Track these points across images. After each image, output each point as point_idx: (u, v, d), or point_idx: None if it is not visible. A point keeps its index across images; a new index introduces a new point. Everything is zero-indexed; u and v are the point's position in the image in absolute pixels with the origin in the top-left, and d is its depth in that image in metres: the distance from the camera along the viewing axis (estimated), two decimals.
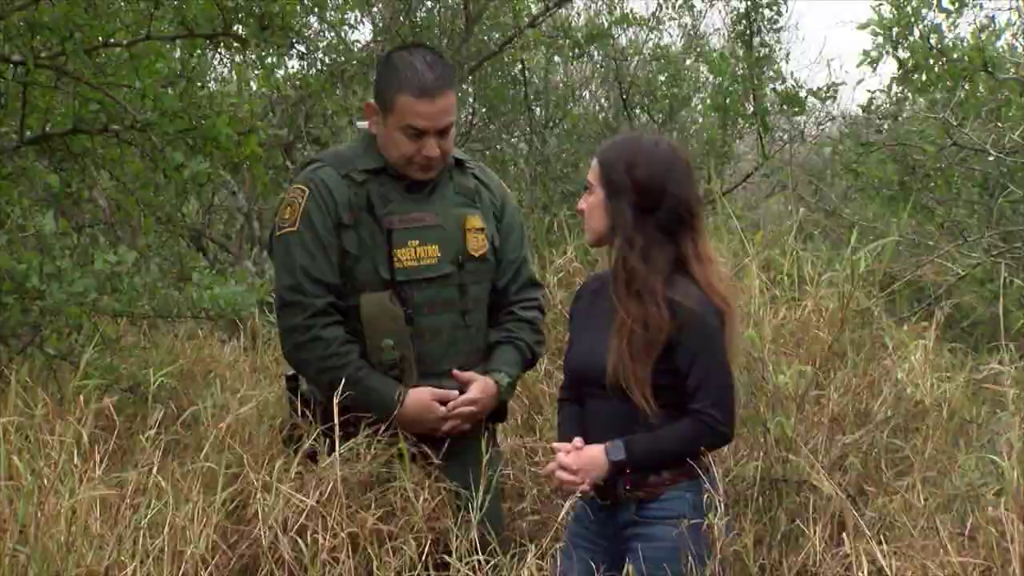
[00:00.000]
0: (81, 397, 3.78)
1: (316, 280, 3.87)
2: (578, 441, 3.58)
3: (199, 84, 5.76)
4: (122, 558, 3.36)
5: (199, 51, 6.04)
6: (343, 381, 3.78)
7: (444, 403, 3.89)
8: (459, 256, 3.96)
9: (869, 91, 8.58)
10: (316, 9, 7.47)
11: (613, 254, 3.62)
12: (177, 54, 6.02)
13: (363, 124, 4.08)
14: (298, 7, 4.98)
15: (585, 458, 3.56)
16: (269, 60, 7.03)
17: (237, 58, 7.55)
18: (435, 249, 3.92)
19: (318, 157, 4.13)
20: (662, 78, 10.71)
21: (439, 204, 3.97)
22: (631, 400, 3.54)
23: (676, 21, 11.02)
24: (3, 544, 3.28)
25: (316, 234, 3.88)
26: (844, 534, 3.66)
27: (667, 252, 3.59)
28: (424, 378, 3.90)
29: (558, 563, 3.69)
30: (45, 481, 3.43)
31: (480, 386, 3.94)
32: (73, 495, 3.40)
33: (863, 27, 7.86)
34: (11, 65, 5.23)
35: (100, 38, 5.27)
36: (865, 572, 3.45)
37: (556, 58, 10.14)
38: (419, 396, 3.87)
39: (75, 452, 3.56)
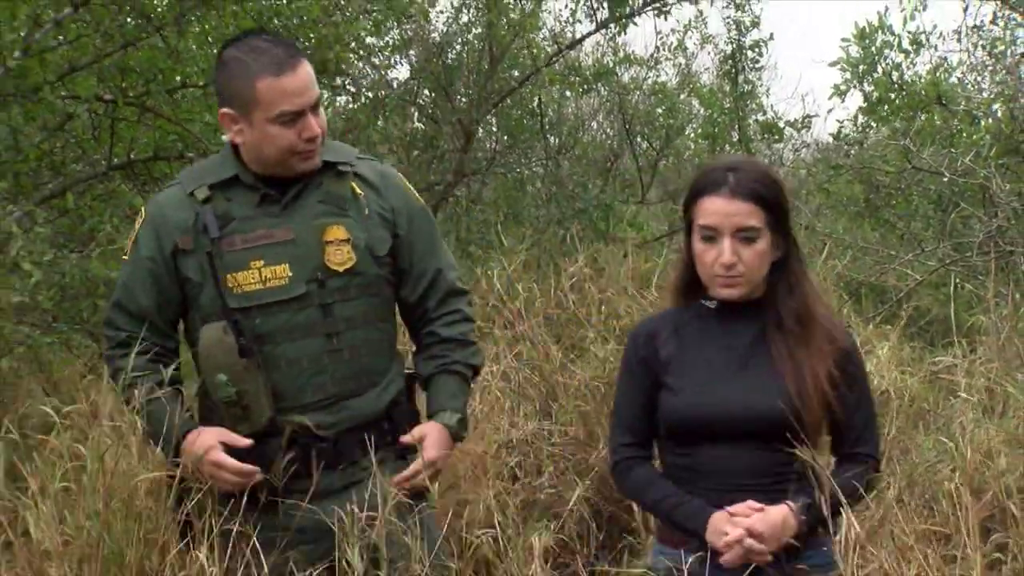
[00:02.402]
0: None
1: (126, 312, 3.07)
2: (753, 503, 2.68)
3: None
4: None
5: None
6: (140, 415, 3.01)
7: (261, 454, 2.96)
8: (318, 273, 3.00)
9: (838, 121, 8.58)
10: (365, 53, 7.52)
11: (781, 286, 2.78)
12: None
13: (227, 138, 3.10)
14: (351, 54, 4.97)
15: (772, 522, 2.65)
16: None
17: None
18: (284, 268, 3.00)
19: (180, 174, 3.21)
20: (660, 110, 10.71)
21: (297, 216, 3.01)
22: (773, 447, 2.69)
23: (671, 61, 10.99)
24: (76, 517, 3.21)
25: (138, 263, 3.05)
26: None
27: None
28: (285, 413, 2.98)
29: None
30: (108, 463, 3.23)
31: (433, 441, 3.05)
32: (133, 477, 3.22)
33: (833, 65, 7.89)
34: (103, 102, 5.28)
35: (179, 79, 5.32)
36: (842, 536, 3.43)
37: (568, 93, 10.13)
38: (196, 446, 2.96)
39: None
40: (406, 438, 3.05)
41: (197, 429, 3.00)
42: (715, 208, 2.72)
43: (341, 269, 3.02)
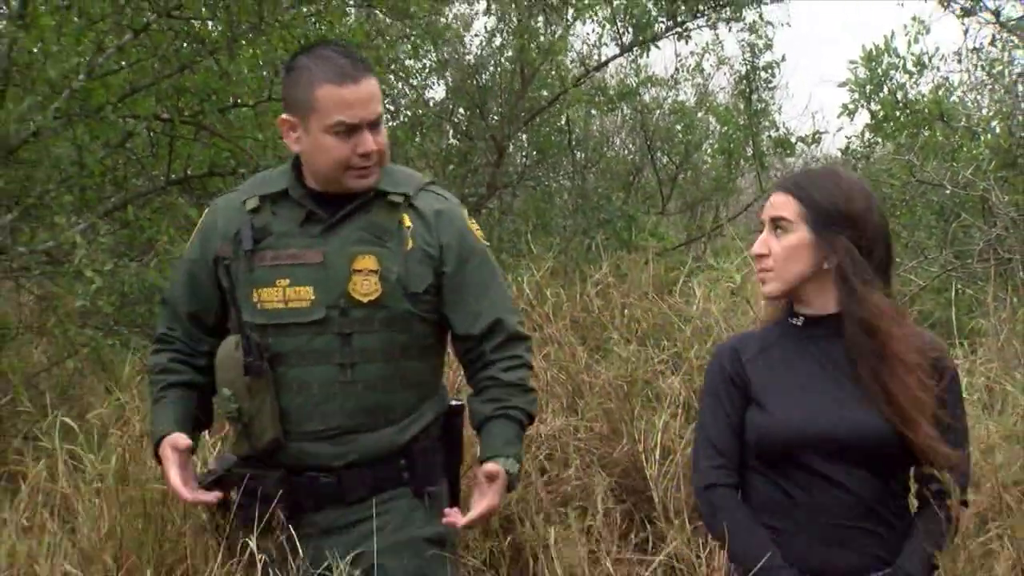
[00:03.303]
0: None
1: (169, 309, 2.88)
2: None
3: None
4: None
5: None
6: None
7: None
8: (340, 300, 2.71)
9: (847, 137, 8.54)
10: (403, 75, 7.53)
11: (841, 296, 2.45)
12: None
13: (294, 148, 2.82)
14: (390, 75, 4.96)
15: None
16: None
17: None
18: (308, 291, 2.71)
19: (248, 180, 2.99)
20: (679, 127, 10.71)
21: (334, 240, 2.73)
22: (874, 473, 2.40)
23: (690, 81, 11.00)
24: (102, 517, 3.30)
25: (183, 265, 2.88)
26: None
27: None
28: (292, 437, 2.72)
29: None
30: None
31: (497, 488, 2.70)
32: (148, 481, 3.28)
33: (842, 85, 7.85)
34: (160, 121, 5.30)
35: (231, 99, 5.33)
36: None
37: (593, 112, 10.14)
38: (163, 455, 2.73)
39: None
40: (481, 477, 2.70)
41: (168, 437, 2.73)
42: (768, 202, 2.52)
43: (365, 300, 2.72)
